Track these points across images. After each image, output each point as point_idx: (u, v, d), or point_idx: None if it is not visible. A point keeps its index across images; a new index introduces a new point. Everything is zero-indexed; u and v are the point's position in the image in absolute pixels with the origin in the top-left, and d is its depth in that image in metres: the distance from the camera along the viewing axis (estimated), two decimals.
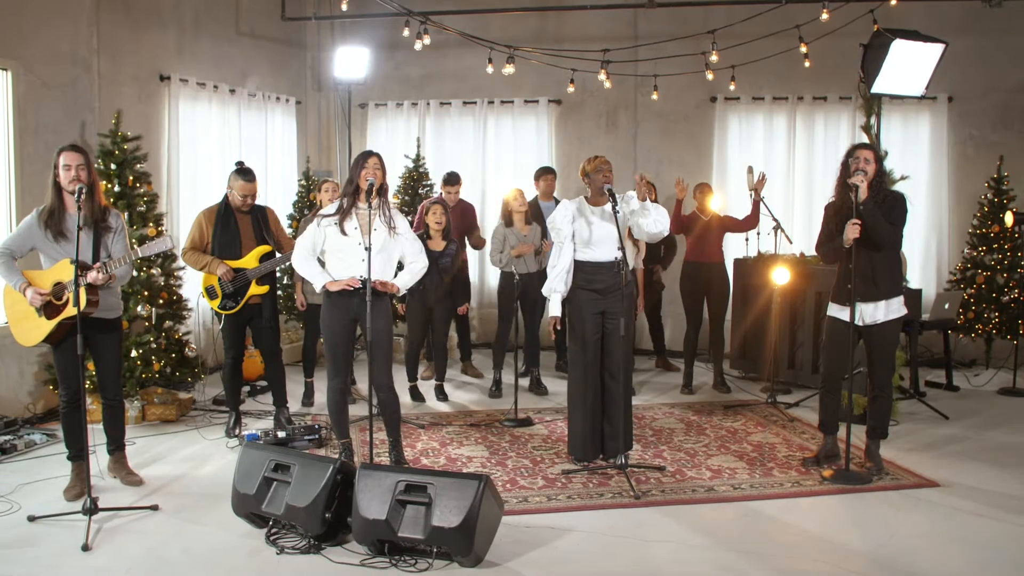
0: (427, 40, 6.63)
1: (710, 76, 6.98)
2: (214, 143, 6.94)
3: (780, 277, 5.92)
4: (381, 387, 4.32)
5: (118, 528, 3.67)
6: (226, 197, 4.99)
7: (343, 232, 4.19)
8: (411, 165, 7.66)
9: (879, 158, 4.34)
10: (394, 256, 4.34)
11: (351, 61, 7.36)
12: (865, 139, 5.46)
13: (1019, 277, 7.03)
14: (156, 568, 3.31)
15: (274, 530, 3.56)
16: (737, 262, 6.77)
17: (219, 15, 7.16)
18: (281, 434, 4.79)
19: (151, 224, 5.56)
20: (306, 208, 7.32)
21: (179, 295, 5.85)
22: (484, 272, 8.10)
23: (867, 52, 5.28)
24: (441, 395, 6.02)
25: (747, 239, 6.80)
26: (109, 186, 5.40)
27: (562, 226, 4.49)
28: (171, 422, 5.36)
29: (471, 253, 7.04)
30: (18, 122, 5.26)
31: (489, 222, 7.93)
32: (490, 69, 7.07)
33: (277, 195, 7.55)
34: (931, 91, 6.04)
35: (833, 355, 4.42)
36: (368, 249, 4.03)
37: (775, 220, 6.31)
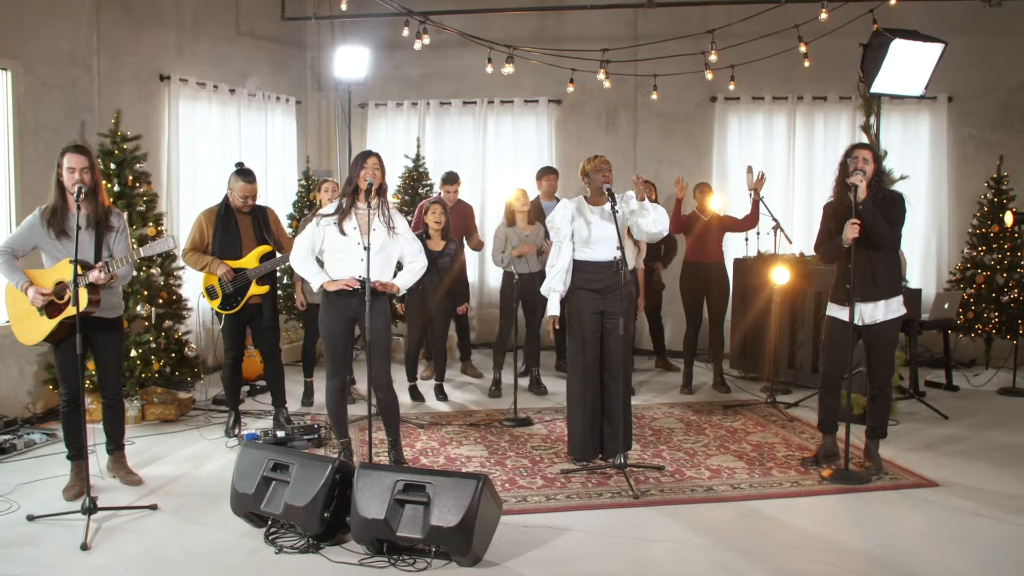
0: (426, 40, 6.64)
1: (709, 76, 6.98)
2: (214, 143, 6.94)
3: (780, 277, 5.92)
4: (380, 387, 4.32)
5: (117, 527, 3.67)
6: (226, 198, 4.99)
7: (342, 232, 4.19)
8: (411, 165, 7.66)
9: (878, 158, 4.34)
10: (393, 256, 4.34)
11: (351, 61, 7.37)
12: (864, 139, 5.46)
13: (1019, 277, 7.03)
14: (155, 567, 3.31)
15: (273, 529, 3.56)
16: (737, 262, 6.77)
17: (219, 15, 7.17)
18: (280, 434, 4.79)
19: (151, 224, 5.56)
20: (306, 208, 7.31)
21: (179, 295, 5.85)
22: (484, 272, 8.10)
23: (866, 52, 5.28)
24: (441, 395, 6.02)
25: (747, 239, 6.80)
26: (109, 186, 5.40)
27: (561, 225, 4.49)
28: (170, 422, 5.37)
29: (472, 253, 7.04)
30: (18, 122, 5.27)
31: (489, 221, 7.94)
32: (489, 69, 7.07)
33: (277, 195, 7.55)
34: (931, 91, 6.04)
35: (832, 355, 4.42)
36: (367, 249, 4.03)
37: (774, 220, 6.31)
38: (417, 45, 6.64)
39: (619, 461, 4.33)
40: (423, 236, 5.65)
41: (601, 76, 7.05)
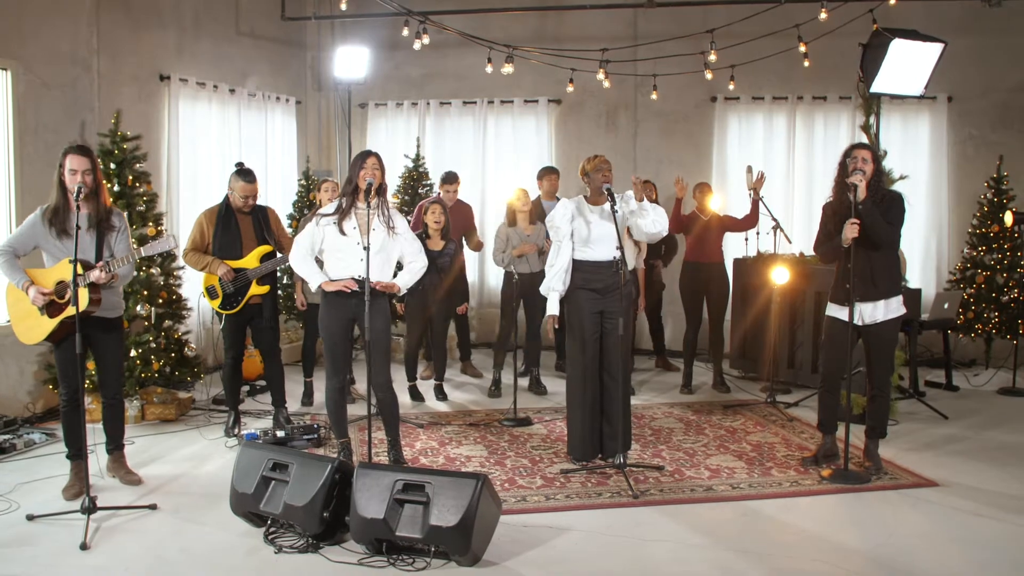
0: (426, 40, 6.64)
1: (709, 76, 6.98)
2: (214, 143, 6.95)
3: (779, 277, 5.92)
4: (380, 387, 4.32)
5: (116, 527, 3.67)
6: (227, 198, 5.00)
7: (342, 232, 4.19)
8: (411, 165, 7.66)
9: (877, 158, 4.34)
10: (393, 256, 4.34)
11: (351, 61, 7.37)
12: (864, 139, 5.46)
13: (1019, 277, 7.02)
14: (154, 567, 3.31)
15: (272, 529, 3.56)
16: (737, 262, 6.77)
17: (219, 15, 7.17)
18: (280, 433, 4.79)
19: (150, 224, 5.57)
20: (306, 208, 7.32)
21: (179, 294, 5.85)
22: (484, 272, 8.10)
23: (866, 51, 5.28)
24: (440, 395, 6.02)
25: (746, 239, 6.80)
26: (109, 186, 5.40)
27: (561, 224, 4.49)
28: (170, 421, 5.37)
29: (471, 253, 7.04)
30: (18, 122, 5.27)
31: (489, 221, 7.95)
32: (489, 69, 7.07)
33: (277, 195, 7.55)
34: (931, 91, 6.04)
35: (832, 355, 4.42)
36: (366, 249, 4.04)
37: (774, 219, 6.31)
38: (417, 45, 6.64)
39: (618, 461, 4.33)
40: (423, 236, 5.65)
41: (601, 76, 7.05)
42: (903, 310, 4.35)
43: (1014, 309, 6.94)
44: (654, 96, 7.43)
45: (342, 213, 4.21)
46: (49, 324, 3.93)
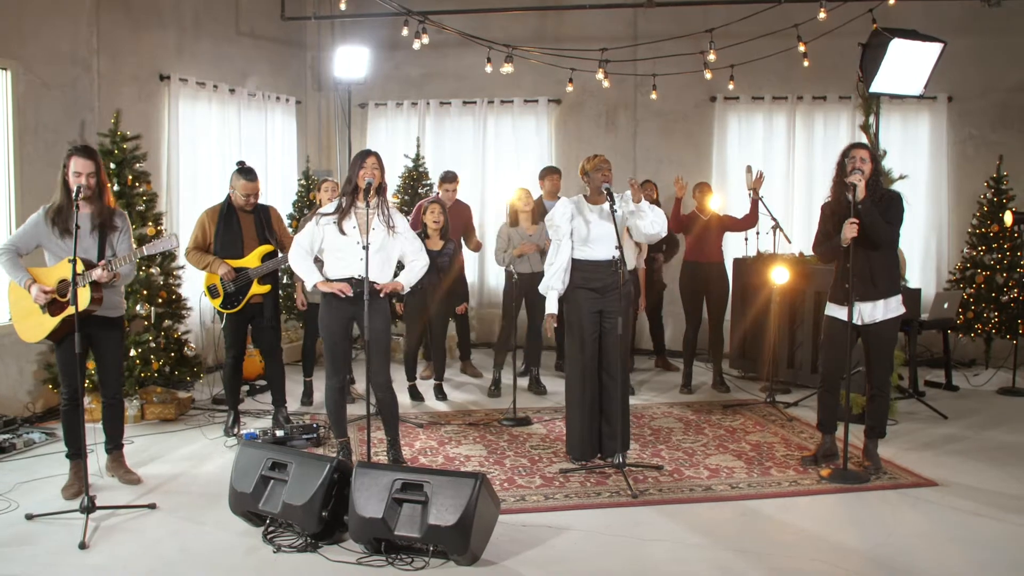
0: (425, 39, 6.64)
1: (708, 75, 6.98)
2: (214, 143, 6.95)
3: (779, 277, 5.91)
4: (380, 386, 4.32)
5: (115, 526, 3.67)
6: (229, 197, 5.00)
7: (342, 231, 4.19)
8: (411, 165, 7.67)
9: (875, 157, 4.34)
10: (393, 255, 4.34)
11: (351, 61, 7.37)
12: (864, 139, 5.46)
13: (1018, 277, 7.02)
14: (153, 566, 3.31)
15: (271, 528, 3.56)
16: (736, 262, 6.77)
17: (219, 15, 7.17)
18: (279, 433, 4.80)
19: (150, 223, 5.57)
20: (306, 208, 7.32)
21: (178, 294, 5.85)
22: (484, 272, 8.10)
23: (865, 51, 5.28)
24: (440, 394, 6.02)
25: (746, 238, 6.80)
26: (109, 186, 5.41)
27: (560, 223, 4.49)
28: (170, 421, 5.37)
29: (471, 252, 7.04)
30: (18, 122, 5.27)
31: (489, 221, 7.95)
32: (488, 68, 7.07)
33: (277, 195, 7.55)
34: (930, 91, 6.04)
35: (832, 354, 4.42)
36: (366, 248, 4.04)
37: (773, 219, 6.31)
38: (416, 45, 6.64)
39: (617, 460, 4.33)
40: (421, 236, 5.65)
41: (599, 76, 7.05)
42: (902, 309, 4.34)
43: (1014, 309, 6.94)
44: (654, 96, 7.43)
45: (342, 213, 4.22)
46: (51, 323, 3.94)
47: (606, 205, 4.36)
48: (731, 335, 6.73)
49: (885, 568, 3.31)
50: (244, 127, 7.23)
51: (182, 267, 5.87)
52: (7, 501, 3.94)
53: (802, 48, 6.42)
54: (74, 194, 3.82)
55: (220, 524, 3.69)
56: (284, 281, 6.81)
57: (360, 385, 6.06)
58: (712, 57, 6.62)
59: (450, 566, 3.29)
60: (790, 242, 6.56)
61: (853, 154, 4.22)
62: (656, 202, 6.83)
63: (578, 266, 4.48)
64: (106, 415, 4.23)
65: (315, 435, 4.83)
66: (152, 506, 3.89)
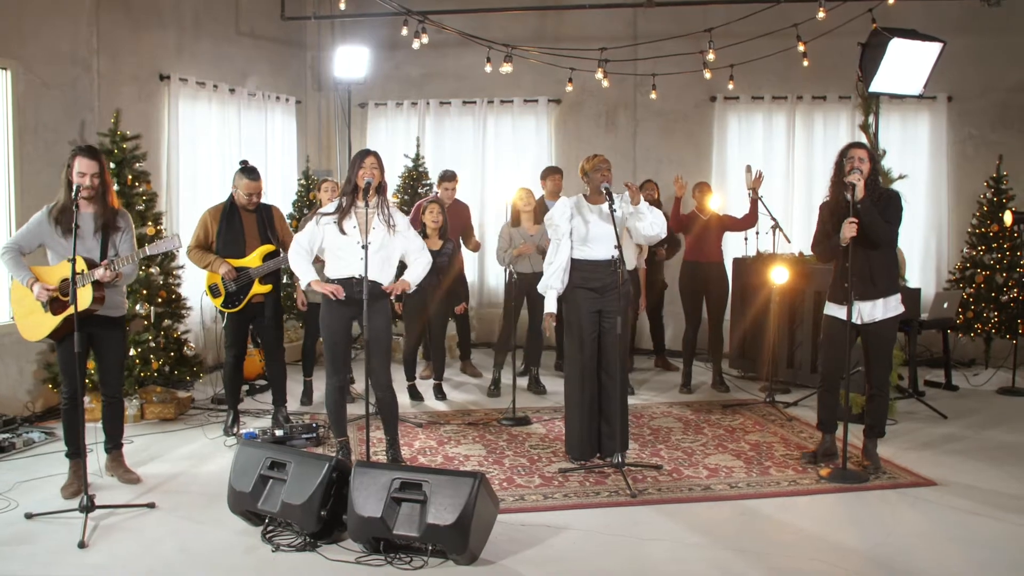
0: (425, 39, 6.64)
1: (708, 75, 6.98)
2: (214, 142, 6.95)
3: (779, 276, 5.91)
4: (380, 386, 4.32)
5: (115, 526, 3.68)
6: (231, 196, 5.01)
7: (342, 231, 4.19)
8: (410, 165, 7.67)
9: (873, 157, 4.34)
10: (394, 254, 4.33)
11: (351, 61, 7.37)
12: (864, 138, 5.46)
13: (1018, 276, 7.02)
14: (152, 565, 3.32)
15: (270, 528, 3.56)
16: (736, 261, 6.77)
17: (219, 15, 7.18)
18: (279, 432, 4.80)
19: (150, 223, 5.58)
20: (306, 207, 7.33)
21: (178, 294, 5.86)
22: (484, 272, 8.10)
23: (865, 51, 5.27)
24: (439, 394, 6.02)
25: (746, 238, 6.79)
26: (113, 186, 5.42)
27: (560, 223, 4.50)
28: (169, 420, 5.37)
29: (471, 252, 7.04)
30: (18, 121, 5.28)
31: (488, 221, 7.95)
32: (488, 68, 7.07)
33: (277, 194, 7.55)
34: (930, 90, 6.04)
35: (831, 354, 4.42)
36: (365, 248, 4.04)
37: (773, 219, 6.31)
38: (416, 44, 6.64)
39: (617, 460, 4.33)
40: (420, 236, 5.65)
41: (599, 75, 7.05)
42: (901, 309, 4.35)
43: (1013, 309, 6.94)
44: (653, 96, 7.43)
45: (342, 212, 4.22)
46: (52, 321, 3.95)
47: (605, 205, 4.37)
48: (731, 335, 6.73)
49: (884, 568, 3.31)
50: (244, 127, 7.23)
51: (182, 267, 5.88)
52: (7, 500, 3.94)
53: (801, 48, 6.42)
54: (73, 193, 3.82)
55: (219, 523, 3.69)
56: (284, 281, 6.81)
57: (360, 385, 6.07)
58: (711, 57, 6.62)
59: (449, 565, 3.29)
60: (789, 242, 6.56)
61: (851, 154, 4.23)
62: (657, 202, 6.84)
63: (577, 266, 4.48)
64: (106, 414, 4.23)
65: (315, 435, 4.83)
66: (151, 505, 3.89)
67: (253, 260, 4.94)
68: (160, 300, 5.66)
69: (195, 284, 6.00)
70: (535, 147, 7.99)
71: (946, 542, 3.56)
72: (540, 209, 6.20)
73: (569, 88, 7.45)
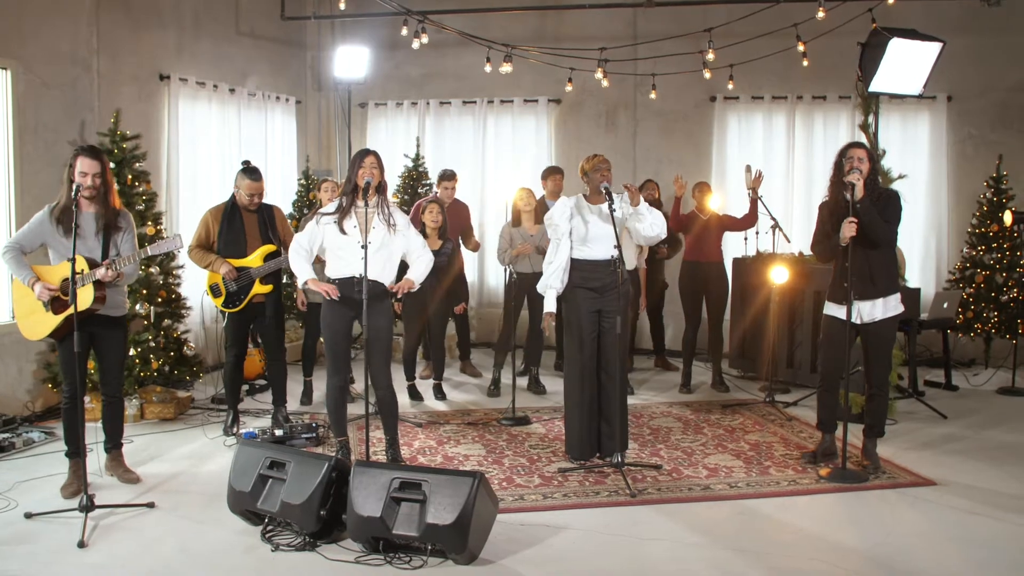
0: (425, 39, 6.65)
1: (707, 75, 6.98)
2: (214, 142, 6.95)
3: (778, 276, 5.91)
4: (380, 385, 4.32)
5: (114, 525, 3.68)
6: (233, 196, 5.01)
7: (342, 231, 4.19)
8: (410, 165, 7.67)
9: (873, 156, 4.34)
10: (396, 254, 4.33)
11: (351, 61, 7.37)
12: (863, 138, 5.46)
13: (1018, 276, 7.02)
14: (152, 565, 3.32)
15: (270, 527, 3.56)
16: (736, 261, 6.77)
17: (219, 15, 7.18)
18: (279, 432, 4.80)
19: (150, 223, 5.59)
20: (305, 207, 7.34)
21: (178, 293, 5.87)
22: (483, 272, 8.11)
23: (865, 51, 5.27)
24: (439, 394, 6.02)
25: (745, 238, 6.79)
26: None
27: (559, 223, 4.50)
28: (169, 420, 5.37)
29: (471, 252, 7.04)
30: (18, 121, 5.28)
31: (488, 221, 7.95)
32: (488, 68, 7.07)
33: (277, 194, 7.55)
34: (930, 90, 6.04)
35: (831, 353, 4.42)
36: (364, 248, 4.04)
37: (772, 218, 6.31)
38: (415, 44, 6.65)
39: (616, 460, 4.33)
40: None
41: (598, 75, 7.05)
42: (901, 308, 4.35)
43: (1013, 309, 6.94)
44: (653, 96, 7.43)
45: (342, 212, 4.22)
46: (53, 320, 3.96)
47: (605, 205, 4.37)
48: (730, 335, 6.73)
49: (884, 567, 3.31)
50: (244, 127, 7.23)
51: (182, 266, 5.88)
52: (6, 500, 3.94)
53: (801, 48, 6.42)
54: (72, 193, 3.83)
55: (219, 523, 3.69)
56: (285, 281, 6.81)
57: (359, 385, 6.07)
58: (711, 57, 6.62)
59: (448, 565, 3.29)
60: (789, 241, 6.56)
61: (851, 154, 4.23)
62: (658, 201, 6.85)
63: (577, 265, 4.48)
64: (106, 414, 4.24)
65: (315, 434, 4.83)
66: (151, 505, 3.89)
67: (254, 260, 4.94)
68: (160, 300, 5.66)
69: (195, 284, 6.01)
70: (535, 147, 7.99)
71: (945, 542, 3.56)
72: (541, 209, 6.20)
73: (569, 88, 7.45)
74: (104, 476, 4.26)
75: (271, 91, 7.62)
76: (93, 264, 3.88)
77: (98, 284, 3.88)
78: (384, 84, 8.15)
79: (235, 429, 5.07)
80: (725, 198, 7.03)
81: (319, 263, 4.41)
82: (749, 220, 6.22)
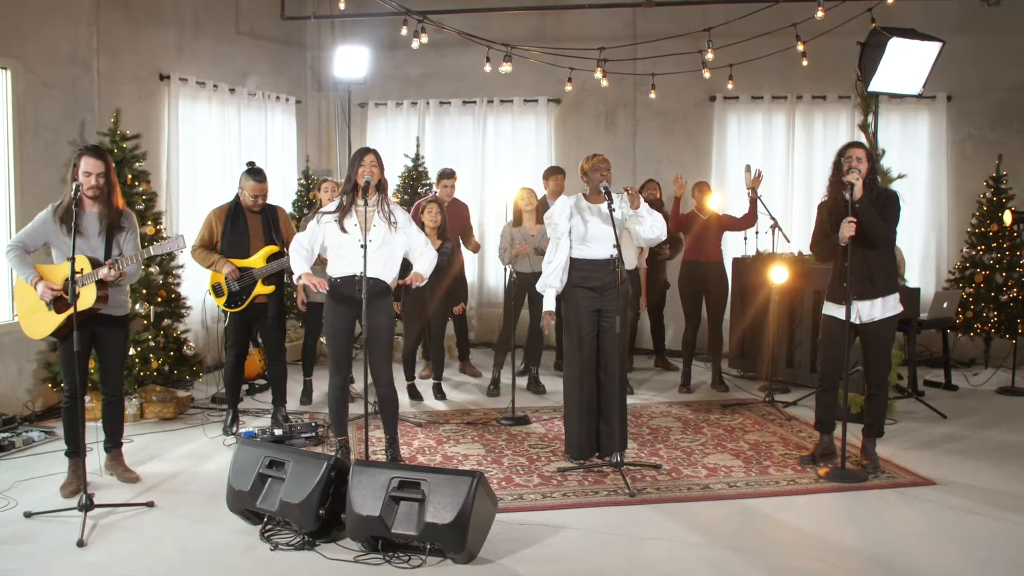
0: (424, 39, 6.65)
1: (707, 75, 6.98)
2: (214, 142, 6.96)
3: (778, 276, 5.91)
4: (382, 383, 4.33)
5: (113, 524, 3.68)
6: (237, 196, 5.02)
7: (343, 229, 4.19)
8: (410, 164, 7.67)
9: (871, 156, 4.34)
10: (397, 251, 4.32)
11: (351, 60, 7.37)
12: (863, 138, 5.46)
13: (1018, 276, 7.02)
14: (151, 564, 3.32)
15: (269, 526, 3.56)
16: (735, 261, 6.77)
17: (219, 14, 7.18)
18: (278, 432, 4.80)
19: (149, 222, 5.59)
20: (305, 207, 7.34)
21: (178, 293, 5.87)
22: (483, 272, 8.11)
23: (864, 50, 5.27)
24: (439, 394, 6.03)
25: (745, 238, 6.79)
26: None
27: (559, 222, 4.50)
28: (169, 420, 5.38)
29: (471, 252, 7.04)
30: (18, 121, 5.28)
31: (488, 221, 7.96)
32: (487, 68, 7.08)
33: (277, 194, 7.54)
34: (930, 90, 6.04)
35: (830, 353, 4.42)
36: (364, 247, 4.04)
37: (772, 218, 6.32)
38: (415, 44, 6.65)
39: (615, 459, 4.33)
40: None
41: (598, 75, 7.05)
42: (900, 308, 4.35)
43: (1013, 308, 6.94)
44: (653, 95, 7.43)
45: (343, 211, 4.22)
46: (56, 319, 3.97)
47: (604, 205, 4.37)
48: (730, 334, 6.73)
49: (882, 567, 3.30)
50: (244, 127, 7.23)
51: (182, 266, 5.89)
52: (6, 499, 3.95)
53: (801, 47, 6.42)
54: (72, 192, 3.83)
55: (218, 522, 3.70)
56: (286, 282, 6.82)
57: (359, 384, 6.07)
58: (711, 56, 6.62)
59: (447, 564, 3.29)
60: (789, 241, 6.56)
61: (849, 153, 4.23)
62: (659, 201, 6.85)
63: (576, 265, 4.48)
64: (106, 413, 4.24)
65: (314, 434, 4.83)
66: (150, 504, 3.89)
67: (257, 261, 4.95)
68: (160, 299, 5.66)
69: (195, 284, 6.02)
70: (535, 147, 7.99)
71: (944, 541, 3.56)
72: (542, 209, 6.20)
73: (569, 88, 7.46)
74: (104, 475, 4.26)
75: (271, 91, 7.63)
76: (96, 264, 3.89)
77: (101, 284, 3.89)
78: (384, 84, 8.16)
79: (234, 429, 5.07)
80: (725, 198, 7.03)
81: (320, 263, 4.41)
82: (749, 220, 6.22)
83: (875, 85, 5.26)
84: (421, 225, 5.80)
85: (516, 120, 8.04)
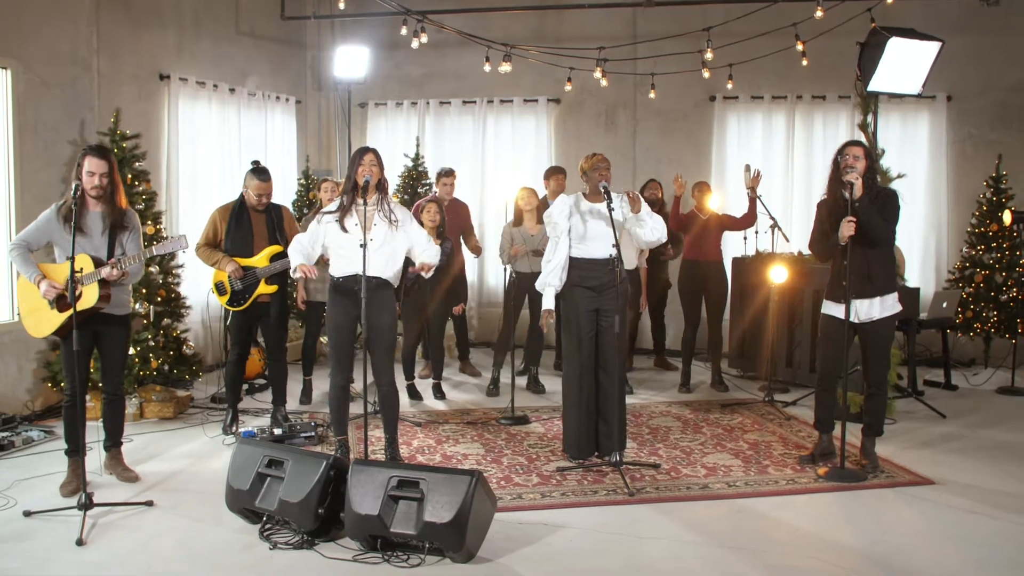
0: (424, 39, 6.65)
1: (706, 74, 6.98)
2: (214, 142, 6.96)
3: (778, 276, 5.91)
4: (383, 381, 4.33)
5: (113, 523, 3.68)
6: (242, 195, 5.03)
7: (344, 229, 4.20)
8: (410, 164, 7.67)
9: (870, 155, 4.34)
10: (399, 250, 4.31)
11: (351, 60, 7.37)
12: (862, 137, 5.46)
13: (1017, 276, 7.02)
14: (150, 563, 3.32)
15: (268, 525, 3.57)
16: (735, 261, 6.77)
17: (219, 14, 7.19)
18: (278, 431, 4.80)
19: (149, 222, 5.60)
20: (305, 207, 7.34)
21: (178, 293, 5.87)
22: (484, 272, 8.11)
23: (864, 50, 5.27)
24: (438, 393, 6.03)
25: (745, 237, 6.80)
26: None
27: (559, 221, 4.51)
28: (168, 419, 5.38)
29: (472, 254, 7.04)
30: (18, 120, 5.29)
31: (488, 221, 7.96)
32: (487, 68, 7.08)
33: (277, 194, 7.50)
34: (930, 90, 6.04)
35: (829, 353, 4.42)
36: (364, 246, 4.04)
37: (772, 218, 6.32)
38: (414, 44, 6.65)
39: (614, 459, 4.33)
40: None
41: (597, 75, 7.05)
42: (899, 307, 4.35)
43: (1013, 308, 6.94)
44: (653, 95, 7.44)
45: (343, 211, 4.23)
46: (58, 318, 3.98)
47: (604, 204, 4.37)
48: (730, 334, 6.73)
49: (881, 566, 3.31)
50: (244, 127, 7.24)
51: (181, 266, 5.89)
52: (5, 498, 3.95)
53: (800, 47, 6.42)
54: (73, 192, 3.84)
55: (217, 521, 3.70)
56: (288, 281, 6.81)
57: (359, 384, 6.07)
58: (710, 56, 6.62)
59: (446, 563, 3.29)
60: (788, 241, 6.56)
61: (847, 152, 4.23)
62: (660, 201, 6.85)
63: (575, 264, 4.49)
64: (106, 412, 4.25)
65: (314, 433, 4.83)
66: (150, 503, 3.90)
67: (261, 260, 4.95)
68: (160, 299, 5.67)
69: (195, 283, 6.03)
70: (535, 147, 7.99)
71: (944, 540, 3.56)
72: (543, 209, 6.19)
73: (568, 88, 7.46)
74: (103, 474, 4.26)
75: (271, 91, 7.63)
76: (99, 263, 3.90)
77: (103, 283, 3.90)
78: (384, 84, 8.16)
79: (234, 428, 5.08)
80: (724, 198, 7.03)
81: (322, 264, 4.41)
82: (748, 219, 6.22)
83: (875, 85, 5.26)
84: (421, 224, 5.81)
85: (516, 120, 8.04)
